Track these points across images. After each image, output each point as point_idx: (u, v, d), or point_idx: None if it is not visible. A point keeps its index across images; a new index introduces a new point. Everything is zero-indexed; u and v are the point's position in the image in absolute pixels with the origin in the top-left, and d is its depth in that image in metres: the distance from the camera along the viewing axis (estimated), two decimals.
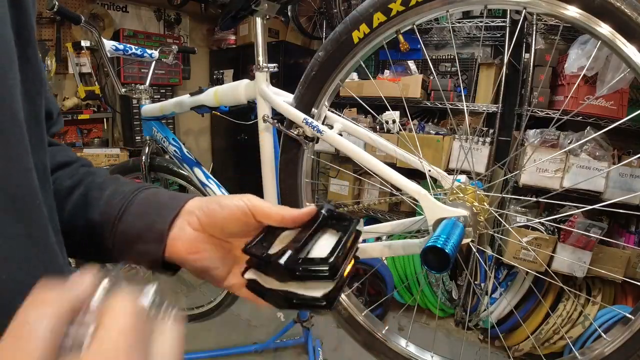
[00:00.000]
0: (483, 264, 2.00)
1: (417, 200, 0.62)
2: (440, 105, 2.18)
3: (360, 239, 0.37)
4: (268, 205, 0.36)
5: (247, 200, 0.36)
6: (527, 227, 1.72)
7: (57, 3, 1.01)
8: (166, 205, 0.37)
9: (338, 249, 0.32)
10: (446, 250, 0.49)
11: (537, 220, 1.70)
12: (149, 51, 1.42)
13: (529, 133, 1.84)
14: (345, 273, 0.33)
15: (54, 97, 0.39)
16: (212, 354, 1.85)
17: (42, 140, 0.30)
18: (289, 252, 0.31)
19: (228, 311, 1.54)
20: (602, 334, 0.55)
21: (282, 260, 0.31)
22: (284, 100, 0.71)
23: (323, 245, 0.34)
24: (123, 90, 1.32)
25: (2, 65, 0.25)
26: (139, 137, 2.49)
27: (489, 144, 1.96)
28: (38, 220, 0.27)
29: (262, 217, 0.36)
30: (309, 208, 0.36)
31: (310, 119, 0.67)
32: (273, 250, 0.33)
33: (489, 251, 1.92)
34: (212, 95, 0.95)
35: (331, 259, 0.30)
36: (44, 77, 0.31)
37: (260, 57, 0.72)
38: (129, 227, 0.36)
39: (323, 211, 0.37)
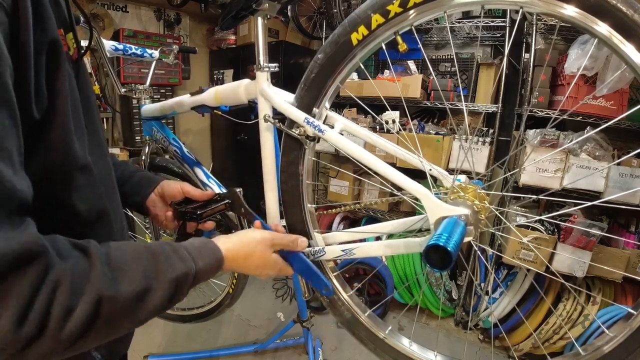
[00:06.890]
0: (484, 261, 2.00)
1: (418, 200, 0.62)
2: (440, 105, 2.19)
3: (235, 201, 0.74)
4: (192, 188, 0.74)
5: (181, 184, 0.74)
6: (527, 227, 1.72)
7: None
8: (152, 182, 0.75)
9: (207, 209, 0.71)
10: (448, 248, 0.49)
11: (537, 218, 1.70)
12: (149, 51, 1.42)
13: (529, 133, 1.84)
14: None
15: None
16: (212, 354, 1.85)
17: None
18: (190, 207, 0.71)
19: (228, 311, 1.54)
20: (605, 329, 0.55)
21: (182, 210, 0.71)
22: (285, 100, 0.71)
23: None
24: (123, 90, 1.32)
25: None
26: (139, 137, 2.49)
27: (489, 144, 1.96)
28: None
29: (186, 194, 0.73)
30: (209, 192, 0.75)
31: (311, 119, 0.67)
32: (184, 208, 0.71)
33: (489, 250, 1.92)
34: (213, 95, 0.95)
35: (199, 212, 0.69)
36: None
37: (261, 57, 0.72)
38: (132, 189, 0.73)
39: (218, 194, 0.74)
